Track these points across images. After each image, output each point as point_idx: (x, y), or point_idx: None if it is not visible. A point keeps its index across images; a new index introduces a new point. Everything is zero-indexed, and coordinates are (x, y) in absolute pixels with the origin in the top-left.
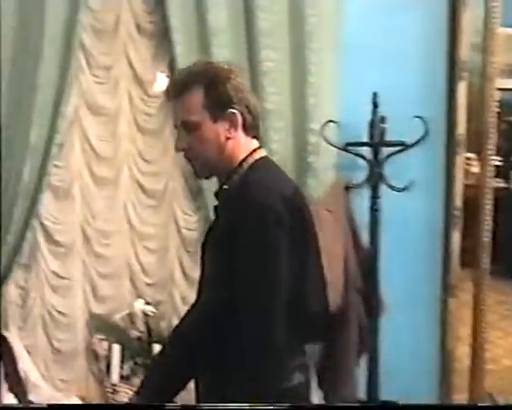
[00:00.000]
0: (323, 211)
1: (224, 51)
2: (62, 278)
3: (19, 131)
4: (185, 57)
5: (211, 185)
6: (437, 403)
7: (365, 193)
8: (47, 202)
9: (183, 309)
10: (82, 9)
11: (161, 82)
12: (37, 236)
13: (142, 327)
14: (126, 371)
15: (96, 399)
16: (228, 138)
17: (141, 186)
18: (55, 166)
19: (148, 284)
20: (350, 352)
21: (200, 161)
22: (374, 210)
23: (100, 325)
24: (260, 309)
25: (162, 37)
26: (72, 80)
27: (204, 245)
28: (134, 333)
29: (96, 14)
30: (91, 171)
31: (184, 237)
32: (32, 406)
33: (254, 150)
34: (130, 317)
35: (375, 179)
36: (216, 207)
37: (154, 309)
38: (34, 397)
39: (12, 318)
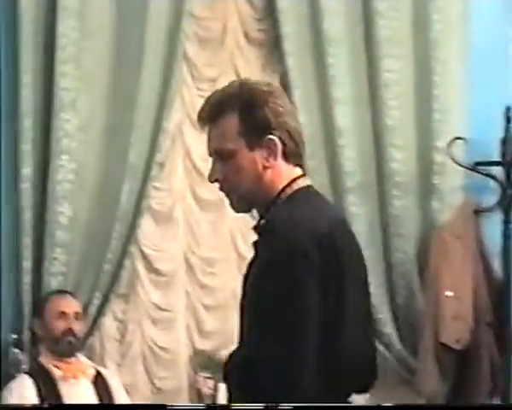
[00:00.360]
0: (450, 237)
1: (340, 62)
2: (164, 310)
3: (116, 149)
4: (298, 68)
5: None
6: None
7: (497, 217)
8: (146, 227)
9: None
10: (185, 17)
11: None
12: (137, 264)
13: None
14: None
15: None
16: (266, 168)
17: None
18: (156, 187)
19: None
20: (481, 392)
21: (237, 192)
22: (506, 236)
23: (205, 361)
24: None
25: (273, 46)
26: (175, 94)
27: (244, 286)
28: None
29: (200, 21)
30: (195, 193)
31: None
32: (32, 406)
33: (295, 179)
34: None
35: (508, 202)
36: (255, 243)
37: None
38: None
39: (109, 353)
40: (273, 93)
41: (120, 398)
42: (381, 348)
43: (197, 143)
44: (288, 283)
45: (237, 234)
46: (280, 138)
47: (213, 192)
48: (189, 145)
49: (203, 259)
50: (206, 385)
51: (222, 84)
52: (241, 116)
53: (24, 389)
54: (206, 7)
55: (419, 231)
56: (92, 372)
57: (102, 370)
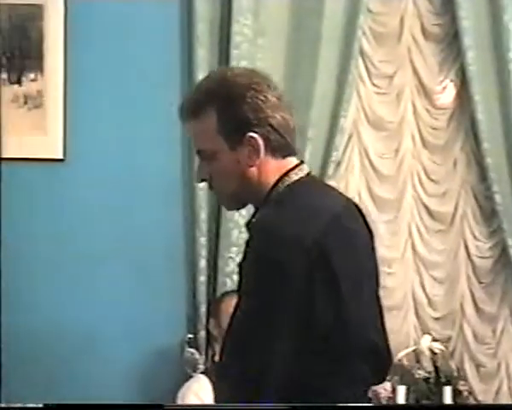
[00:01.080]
0: None
1: None
2: None
3: None
4: (477, 63)
5: (508, 206)
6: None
7: None
8: None
9: (475, 347)
10: (362, 13)
11: (450, 92)
12: None
13: (429, 367)
14: None
15: None
16: (251, 166)
17: (426, 208)
18: None
19: (436, 318)
20: None
21: (224, 192)
22: None
23: None
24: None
25: (450, 41)
26: (351, 91)
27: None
28: (420, 373)
29: (377, 16)
30: (371, 191)
31: (476, 266)
32: (29, 406)
33: (288, 172)
34: (416, 355)
35: None
36: (247, 241)
37: (442, 347)
38: None
39: None
40: (252, 86)
41: None
42: None
43: (373, 140)
44: (270, 283)
45: (415, 233)
46: (262, 135)
47: (390, 190)
48: (366, 143)
49: (380, 258)
50: (385, 388)
51: (398, 80)
52: (219, 114)
53: (200, 390)
54: (383, 2)
55: None
56: None
57: None
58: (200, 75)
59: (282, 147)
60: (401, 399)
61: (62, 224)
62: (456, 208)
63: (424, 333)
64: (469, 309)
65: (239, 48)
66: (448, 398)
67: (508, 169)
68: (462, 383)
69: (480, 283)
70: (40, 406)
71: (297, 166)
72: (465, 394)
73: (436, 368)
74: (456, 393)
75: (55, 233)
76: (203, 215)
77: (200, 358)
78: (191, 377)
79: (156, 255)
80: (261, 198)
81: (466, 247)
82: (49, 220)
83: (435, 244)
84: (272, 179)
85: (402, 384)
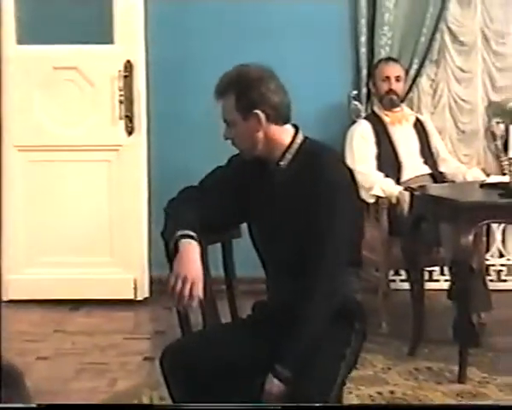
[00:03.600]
0: None
1: None
2: (465, 71)
3: None
4: None
5: None
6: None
7: None
8: (453, 9)
9: None
10: None
11: None
12: (445, 37)
13: None
14: None
15: (493, 172)
16: (258, 130)
17: None
18: None
19: None
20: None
21: (242, 147)
22: None
23: (497, 110)
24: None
25: None
26: None
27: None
28: None
29: None
30: None
31: None
32: (24, 406)
33: (296, 135)
34: None
35: None
36: (262, 181)
37: None
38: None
39: (425, 105)
40: (262, 79)
41: (434, 136)
42: None
43: None
44: (347, 197)
45: None
46: (263, 111)
47: None
48: None
49: (495, 32)
50: (499, 129)
51: None
52: (237, 97)
53: (363, 130)
54: None
55: None
56: (413, 119)
57: (420, 117)
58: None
59: (280, 117)
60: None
61: None
62: None
63: None
64: None
65: None
66: None
67: None
68: None
69: None
70: (33, 406)
71: (297, 132)
72: None
73: None
74: None
75: None
76: None
77: (362, 108)
78: (356, 121)
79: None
80: (281, 150)
81: None
82: None
83: None
84: (280, 139)
85: None
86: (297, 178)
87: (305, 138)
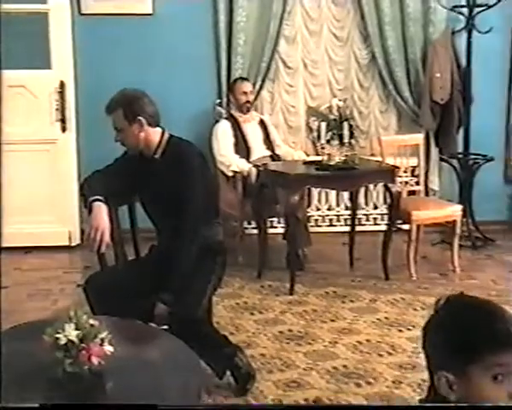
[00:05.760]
0: (440, 47)
1: None
2: (292, 86)
3: None
4: None
5: None
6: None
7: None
8: (283, 45)
9: None
10: None
11: None
12: (278, 63)
13: None
14: None
15: (311, 154)
16: (140, 132)
17: None
18: None
19: None
20: (453, 126)
21: (129, 146)
22: (469, 46)
23: (313, 112)
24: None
25: None
26: None
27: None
28: None
29: None
30: None
31: None
32: (24, 406)
33: (163, 133)
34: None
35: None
36: (141, 166)
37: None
38: None
39: (266, 109)
40: (139, 96)
41: (272, 130)
42: (402, 103)
43: None
44: (204, 173)
45: None
46: (144, 118)
47: None
48: None
49: (311, 60)
50: (314, 125)
51: None
52: (124, 110)
53: (224, 127)
54: None
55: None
56: (258, 119)
57: (263, 117)
58: None
59: (153, 123)
60: None
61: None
62: None
63: None
64: None
65: None
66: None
67: None
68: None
69: None
70: (36, 406)
71: (164, 131)
72: None
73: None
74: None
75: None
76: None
77: (223, 111)
78: (218, 121)
79: None
80: (154, 146)
81: None
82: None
83: None
84: (154, 138)
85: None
86: (167, 164)
87: (170, 136)
